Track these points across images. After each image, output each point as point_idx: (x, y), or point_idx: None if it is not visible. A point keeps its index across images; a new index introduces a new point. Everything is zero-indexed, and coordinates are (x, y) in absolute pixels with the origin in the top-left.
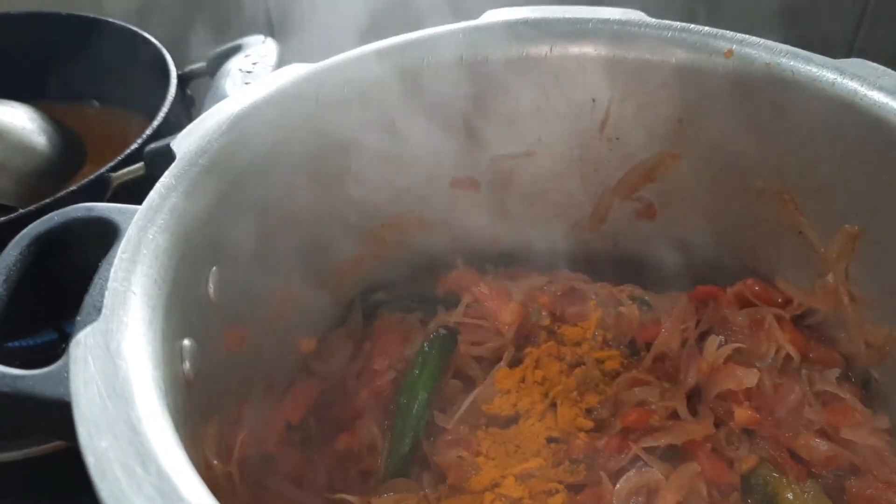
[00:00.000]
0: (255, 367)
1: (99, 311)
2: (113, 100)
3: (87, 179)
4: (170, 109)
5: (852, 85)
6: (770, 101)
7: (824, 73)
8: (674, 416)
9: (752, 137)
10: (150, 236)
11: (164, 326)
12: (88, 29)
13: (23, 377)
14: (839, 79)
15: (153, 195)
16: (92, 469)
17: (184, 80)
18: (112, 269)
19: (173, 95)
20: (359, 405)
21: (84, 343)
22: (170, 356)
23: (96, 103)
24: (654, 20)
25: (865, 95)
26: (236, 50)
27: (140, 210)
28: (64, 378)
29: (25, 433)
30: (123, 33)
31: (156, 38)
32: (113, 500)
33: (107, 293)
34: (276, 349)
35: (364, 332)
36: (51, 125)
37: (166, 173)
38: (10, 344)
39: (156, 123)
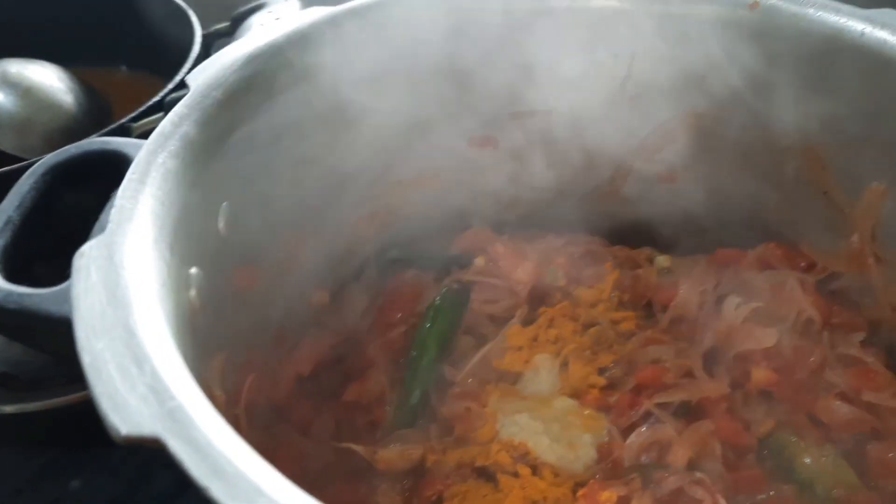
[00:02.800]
0: (265, 314)
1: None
2: (141, 64)
3: (107, 128)
4: (192, 66)
5: (881, 34)
6: (796, 55)
7: (853, 24)
8: (689, 375)
9: (777, 93)
10: (160, 160)
11: (171, 248)
12: None
13: (29, 295)
14: (868, 28)
15: (165, 122)
16: (87, 368)
17: (208, 40)
18: (120, 189)
19: (197, 52)
20: (369, 357)
21: (88, 254)
22: (175, 279)
23: (124, 67)
24: None
25: (895, 44)
26: (259, 7)
27: (152, 136)
28: (70, 297)
29: (49, 374)
30: None
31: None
32: (107, 397)
33: (113, 210)
34: (287, 298)
35: (378, 287)
36: (78, 85)
37: (179, 103)
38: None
39: (178, 78)
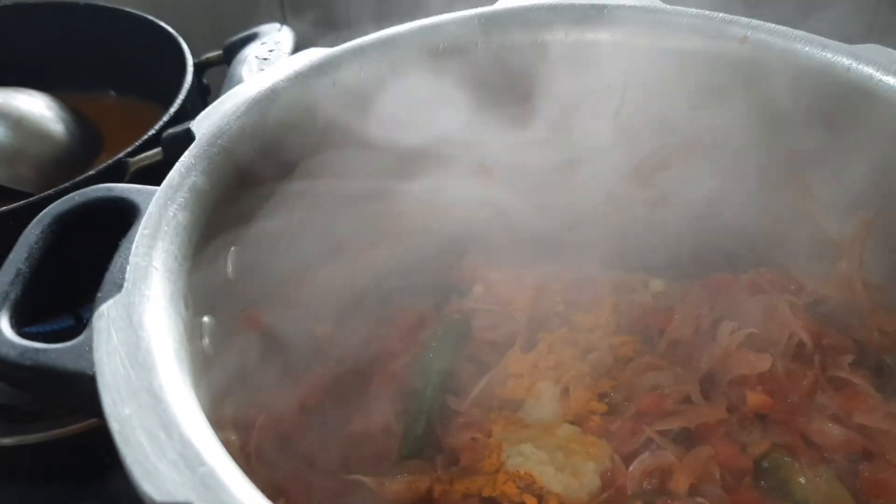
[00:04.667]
0: (271, 351)
1: (119, 287)
2: (130, 89)
3: (104, 164)
4: (186, 97)
5: (867, 70)
6: (785, 88)
7: (840, 59)
8: (687, 400)
9: (766, 124)
10: (171, 213)
11: (185, 302)
12: (106, 18)
13: (45, 350)
14: (854, 64)
15: (173, 174)
16: (116, 435)
17: (200, 69)
18: (133, 245)
19: (190, 83)
20: (373, 389)
21: (107, 315)
22: (190, 331)
23: (113, 93)
24: (669, 7)
25: (881, 81)
26: (252, 38)
27: (161, 188)
28: (86, 352)
29: (48, 406)
30: (140, 22)
31: (172, 27)
32: (137, 465)
33: (128, 268)
34: (292, 333)
35: (379, 317)
36: (69, 113)
37: (186, 153)
38: (26, 329)
39: (172, 110)
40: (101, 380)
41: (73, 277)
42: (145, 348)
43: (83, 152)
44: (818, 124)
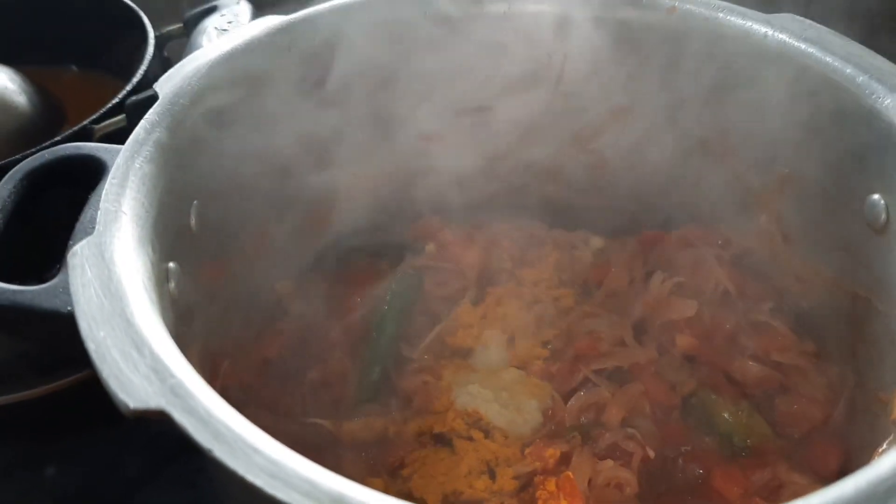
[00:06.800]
0: (234, 304)
1: (90, 232)
2: (91, 64)
3: (70, 130)
4: (147, 68)
5: (782, 37)
6: (708, 56)
7: (757, 27)
8: (621, 343)
9: (693, 90)
10: (137, 165)
11: (152, 245)
12: None
13: (21, 291)
14: (770, 32)
15: (139, 130)
16: (93, 354)
17: (161, 42)
18: (103, 193)
19: (151, 55)
20: (331, 340)
21: (80, 253)
22: (157, 273)
23: (75, 68)
24: None
25: (794, 46)
26: (212, 10)
27: (127, 142)
28: (60, 292)
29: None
30: None
31: (133, 1)
32: (113, 378)
33: (99, 213)
34: (254, 288)
35: (337, 275)
36: (31, 86)
37: (151, 110)
38: None
39: (135, 80)
40: (77, 308)
41: (44, 233)
42: (117, 280)
43: (46, 124)
44: (741, 88)
